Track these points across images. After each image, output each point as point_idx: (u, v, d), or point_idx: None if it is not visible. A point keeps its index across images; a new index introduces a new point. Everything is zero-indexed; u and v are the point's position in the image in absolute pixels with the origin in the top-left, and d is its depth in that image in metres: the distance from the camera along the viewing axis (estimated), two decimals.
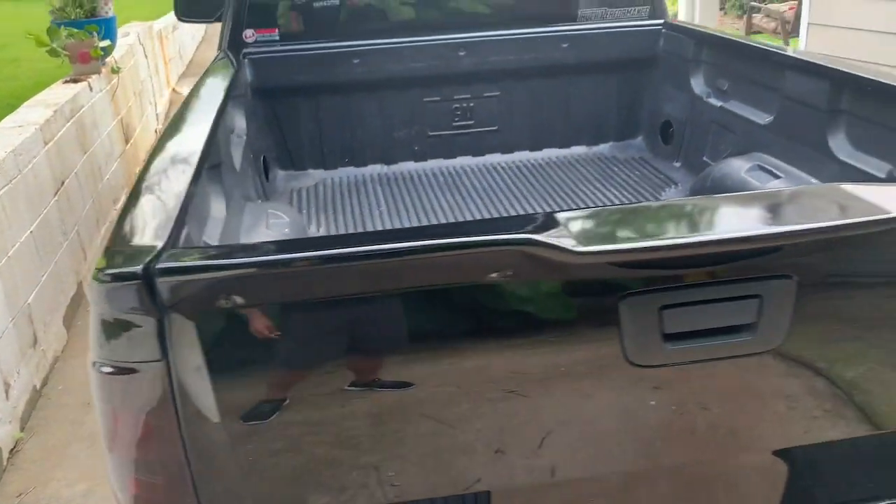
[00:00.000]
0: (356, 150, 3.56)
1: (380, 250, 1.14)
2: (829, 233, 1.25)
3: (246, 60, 3.25)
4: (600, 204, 3.15)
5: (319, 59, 3.33)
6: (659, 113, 3.55)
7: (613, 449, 1.44)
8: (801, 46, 6.08)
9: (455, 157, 3.64)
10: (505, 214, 3.09)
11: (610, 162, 3.63)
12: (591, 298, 1.31)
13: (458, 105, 3.56)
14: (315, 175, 3.53)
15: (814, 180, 2.49)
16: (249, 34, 3.31)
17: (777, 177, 2.60)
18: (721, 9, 13.65)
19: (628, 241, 1.19)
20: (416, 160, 3.61)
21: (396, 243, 1.16)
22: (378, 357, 1.28)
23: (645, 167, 3.53)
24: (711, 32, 3.25)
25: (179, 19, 4.09)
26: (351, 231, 2.98)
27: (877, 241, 1.31)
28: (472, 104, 3.56)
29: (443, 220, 3.05)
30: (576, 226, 1.22)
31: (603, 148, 3.74)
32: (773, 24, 7.38)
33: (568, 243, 1.15)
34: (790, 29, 6.74)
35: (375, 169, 3.59)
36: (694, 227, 1.30)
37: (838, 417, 1.49)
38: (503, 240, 1.16)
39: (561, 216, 1.23)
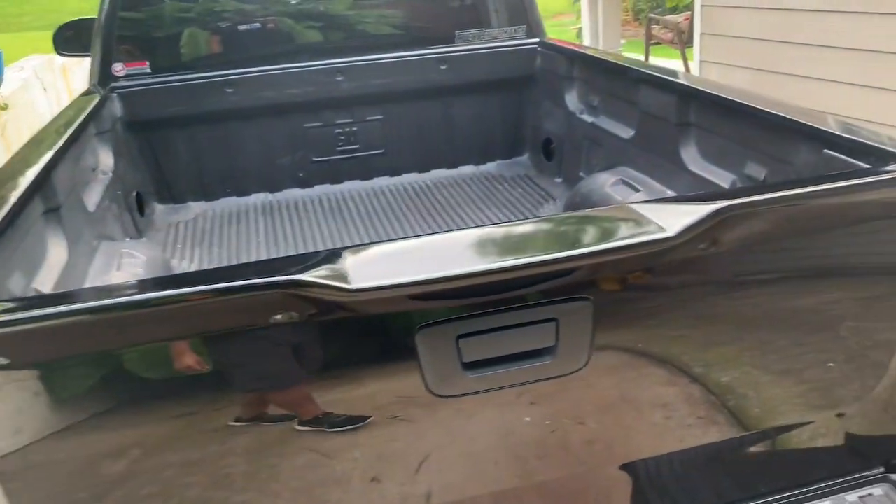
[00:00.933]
0: (238, 180, 3.51)
1: (126, 302, 1.11)
2: (612, 254, 1.26)
3: (115, 95, 3.17)
4: (480, 223, 3.17)
5: (192, 90, 3.28)
6: (540, 130, 3.59)
7: (436, 479, 1.43)
8: (696, 56, 6.26)
9: (342, 181, 3.62)
10: (385, 237, 3.08)
11: (497, 180, 3.66)
12: (386, 333, 1.29)
13: (340, 130, 3.54)
14: (195, 207, 3.46)
15: (670, 192, 2.54)
16: (119, 68, 3.24)
17: (637, 190, 2.65)
18: (636, 19, 14.00)
19: (406, 275, 1.18)
20: (301, 187, 3.58)
21: (153, 292, 1.13)
22: (190, 402, 1.25)
23: (529, 184, 3.57)
24: (581, 51, 3.31)
25: (59, 54, 4.00)
26: (225, 264, 2.92)
27: (663, 260, 1.33)
28: (355, 128, 3.55)
29: (321, 247, 3.02)
30: (356, 261, 1.21)
31: (490, 167, 3.77)
32: (669, 35, 7.60)
33: (341, 281, 1.14)
34: (685, 39, 6.93)
35: (259, 197, 3.54)
36: (484, 255, 1.29)
37: (653, 432, 1.51)
38: (269, 283, 1.14)
39: (346, 252, 1.21)
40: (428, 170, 3.71)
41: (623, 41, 7.73)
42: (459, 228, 3.12)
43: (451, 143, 3.70)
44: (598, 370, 1.40)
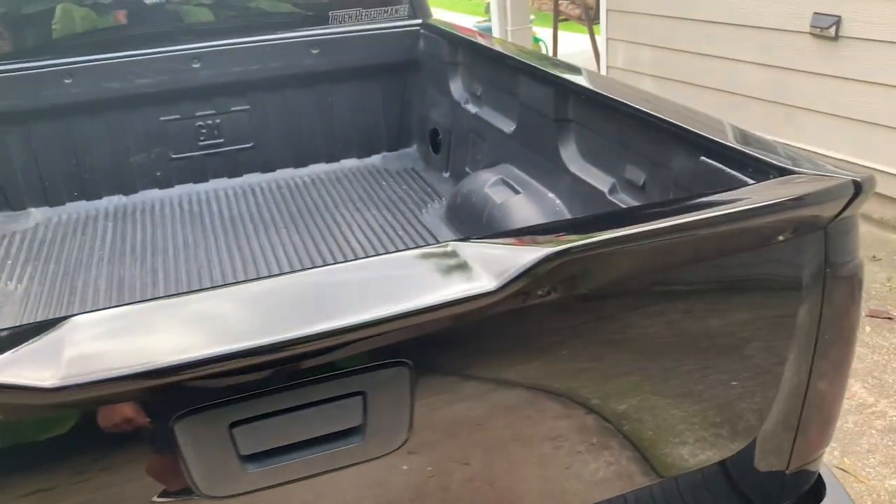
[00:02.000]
0: (86, 182, 3.11)
1: None
2: (417, 316, 1.00)
3: None
4: (357, 227, 2.87)
5: (24, 81, 2.86)
6: (427, 120, 3.31)
7: None
8: (602, 32, 6.07)
9: (207, 180, 3.27)
10: (247, 247, 2.75)
11: (381, 175, 3.36)
12: (131, 425, 1.00)
13: (202, 123, 3.18)
14: (36, 214, 3.05)
15: (551, 194, 2.31)
16: None
17: (517, 192, 2.40)
18: None
19: (130, 364, 0.88)
20: (160, 187, 3.21)
21: None
22: None
23: (415, 179, 3.29)
24: (465, 35, 3.03)
25: None
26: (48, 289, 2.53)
27: (493, 314, 1.08)
28: (218, 120, 3.20)
29: (172, 262, 2.68)
30: (65, 343, 0.90)
31: (375, 160, 3.47)
32: (577, 11, 7.37)
33: (31, 379, 0.84)
34: (593, 15, 6.74)
35: (111, 201, 3.15)
36: (251, 324, 1.00)
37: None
38: None
39: (39, 334, 0.90)
40: (305, 164, 3.39)
41: (532, 17, 7.48)
42: (330, 234, 2.83)
43: (330, 134, 3.38)
44: (424, 448, 1.14)
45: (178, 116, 3.13)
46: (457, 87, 3.00)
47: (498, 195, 2.45)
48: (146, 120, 3.09)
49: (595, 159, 2.10)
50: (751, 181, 1.37)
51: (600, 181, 2.05)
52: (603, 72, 6.05)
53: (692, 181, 1.61)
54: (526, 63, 2.37)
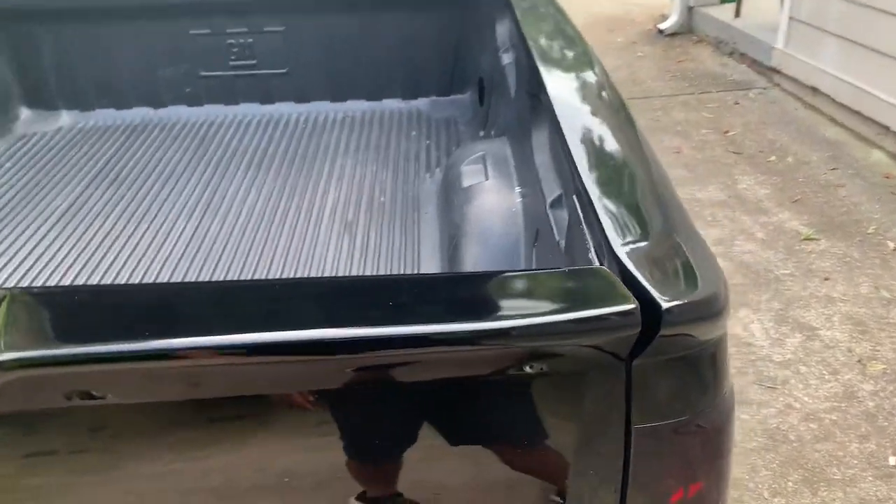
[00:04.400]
0: (116, 90, 3.01)
1: None
2: None
3: None
4: (347, 179, 2.54)
5: None
6: (478, 65, 2.86)
7: None
8: (784, 8, 5.07)
9: (238, 103, 3.06)
10: (266, 183, 2.51)
11: (421, 121, 2.98)
12: None
13: (233, 41, 2.94)
14: (66, 117, 3.02)
15: (519, 188, 1.85)
16: None
17: (486, 177, 1.96)
18: None
19: None
20: (189, 104, 3.05)
21: None
22: None
23: (451, 133, 2.87)
24: None
25: None
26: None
27: None
28: (251, 40, 2.95)
29: (187, 186, 2.51)
30: None
31: (422, 103, 3.08)
32: None
33: None
34: None
35: (140, 113, 3.04)
36: None
37: None
38: None
39: None
40: (343, 99, 3.08)
41: None
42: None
43: (372, 69, 3.03)
44: None
45: (208, 31, 2.92)
46: (502, 33, 2.53)
47: (468, 177, 2.02)
48: (176, 31, 2.91)
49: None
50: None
51: (547, 187, 1.57)
52: (783, 25, 5.08)
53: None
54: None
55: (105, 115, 3.05)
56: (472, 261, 1.72)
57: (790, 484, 2.27)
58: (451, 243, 1.88)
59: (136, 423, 0.83)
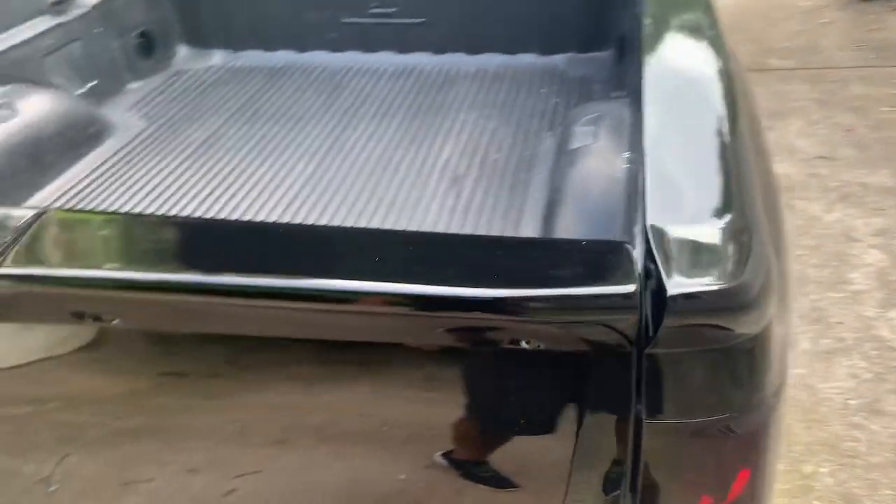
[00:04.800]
0: (264, 32, 3.13)
1: None
2: None
3: None
4: (469, 138, 2.50)
5: None
6: (622, 20, 2.70)
7: None
8: None
9: (376, 51, 3.08)
10: (393, 135, 2.54)
11: (557, 79, 2.87)
12: None
13: None
14: (219, 56, 3.17)
15: (626, 154, 1.73)
16: None
17: (597, 139, 1.85)
18: None
19: None
20: (330, 50, 3.11)
21: None
22: None
23: (586, 92, 2.74)
24: None
25: None
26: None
27: None
28: None
29: (319, 130, 2.58)
30: None
31: (558, 60, 2.96)
32: None
33: None
34: None
35: (285, 56, 3.14)
36: None
37: None
38: None
39: None
40: (478, 52, 3.02)
41: None
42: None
43: (511, 21, 2.94)
44: None
45: None
46: None
47: (578, 138, 1.92)
48: None
49: None
50: None
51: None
52: None
53: None
54: None
55: (253, 56, 3.18)
56: (564, 226, 1.64)
57: None
58: (548, 206, 1.80)
59: (258, 356, 0.86)
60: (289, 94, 2.88)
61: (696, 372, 0.73)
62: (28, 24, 2.47)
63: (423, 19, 2.99)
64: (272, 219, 2.16)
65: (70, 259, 0.86)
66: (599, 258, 0.76)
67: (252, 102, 2.84)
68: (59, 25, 2.57)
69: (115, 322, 0.78)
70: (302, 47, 3.13)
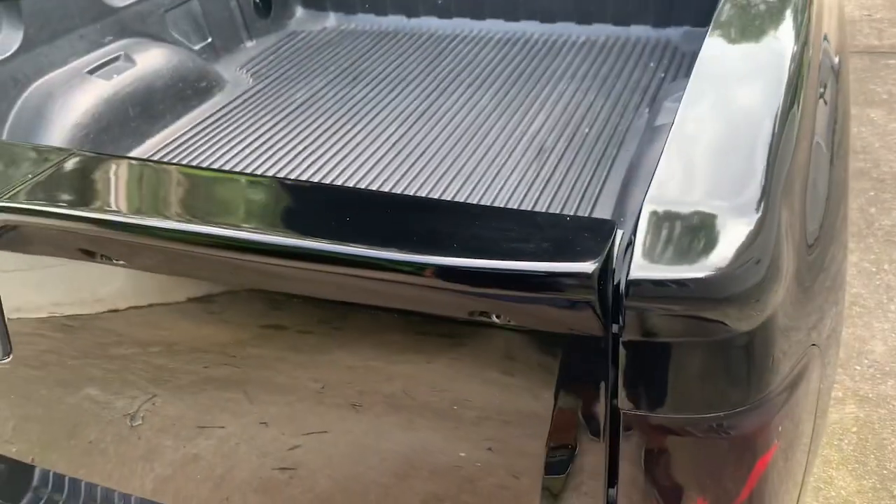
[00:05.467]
0: None
1: None
2: None
3: None
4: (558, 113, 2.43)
5: None
6: None
7: None
8: None
9: (484, 18, 3.04)
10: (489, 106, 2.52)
11: (668, 53, 2.73)
12: None
13: None
14: (332, 18, 3.23)
15: None
16: None
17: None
18: None
19: None
20: (439, 16, 3.10)
21: None
22: None
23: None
24: None
25: None
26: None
27: None
28: None
29: (422, 97, 2.60)
30: None
31: (672, 33, 2.81)
32: None
33: None
34: None
35: (395, 20, 3.16)
36: None
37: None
38: None
39: None
40: (589, 22, 2.92)
41: None
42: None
43: None
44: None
45: None
46: None
47: (664, 114, 1.82)
48: None
49: None
50: None
51: None
52: None
53: None
54: None
55: (365, 20, 3.22)
56: (633, 206, 1.57)
57: None
58: (622, 185, 1.73)
59: (347, 320, 0.88)
60: (393, 58, 2.91)
61: (675, 364, 0.68)
62: None
63: None
64: (353, 181, 2.20)
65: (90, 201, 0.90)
66: (577, 235, 0.72)
67: (358, 65, 2.89)
68: None
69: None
70: (412, 12, 3.14)
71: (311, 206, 0.90)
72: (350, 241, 0.75)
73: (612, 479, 0.76)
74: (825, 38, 1.30)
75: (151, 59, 2.47)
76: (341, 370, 0.87)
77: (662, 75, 2.59)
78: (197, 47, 2.81)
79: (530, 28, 3.01)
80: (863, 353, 2.40)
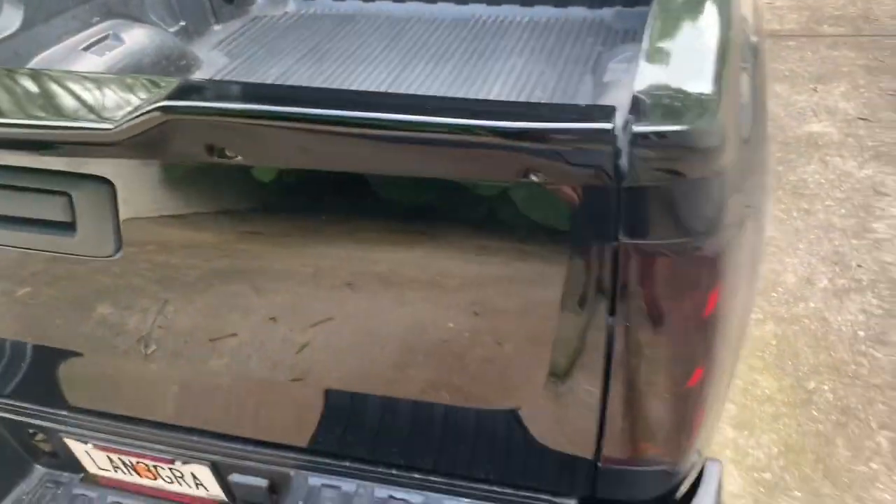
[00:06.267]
0: None
1: None
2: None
3: None
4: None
5: None
6: None
7: None
8: None
9: (435, 2, 3.33)
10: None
11: (603, 31, 3.07)
12: None
13: None
14: (293, 3, 3.45)
15: None
16: None
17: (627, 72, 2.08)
18: None
19: None
20: (426, 1, 3.36)
21: None
22: None
23: (629, 43, 2.95)
24: None
25: None
26: None
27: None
28: None
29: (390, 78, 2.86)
30: None
31: (606, 13, 3.16)
32: None
33: None
34: None
35: (353, 4, 3.41)
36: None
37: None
38: None
39: None
40: (532, 4, 3.24)
41: None
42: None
43: None
44: (135, 263, 1.24)
45: None
46: None
47: (612, 73, 2.14)
48: None
49: None
50: None
51: None
52: None
53: None
54: None
55: (324, 4, 3.45)
56: None
57: None
58: None
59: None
60: (354, 39, 3.16)
61: (664, 201, 0.97)
62: None
63: None
64: None
65: None
66: (590, 110, 1.01)
67: (321, 45, 3.12)
68: None
69: None
70: None
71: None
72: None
73: (612, 308, 1.06)
74: (745, 20, 1.62)
75: (137, 38, 2.65)
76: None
77: (600, 48, 2.93)
78: (172, 30, 2.99)
79: (478, 10, 3.29)
80: (777, 283, 2.80)
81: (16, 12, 2.31)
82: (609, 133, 0.91)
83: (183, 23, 3.05)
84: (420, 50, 3.05)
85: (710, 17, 1.34)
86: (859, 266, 2.85)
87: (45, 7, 2.41)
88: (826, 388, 2.37)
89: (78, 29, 2.52)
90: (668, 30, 1.25)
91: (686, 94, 1.01)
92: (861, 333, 2.56)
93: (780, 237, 3.04)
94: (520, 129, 0.95)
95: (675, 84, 1.03)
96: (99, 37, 2.55)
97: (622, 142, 0.93)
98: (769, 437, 2.22)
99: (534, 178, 0.98)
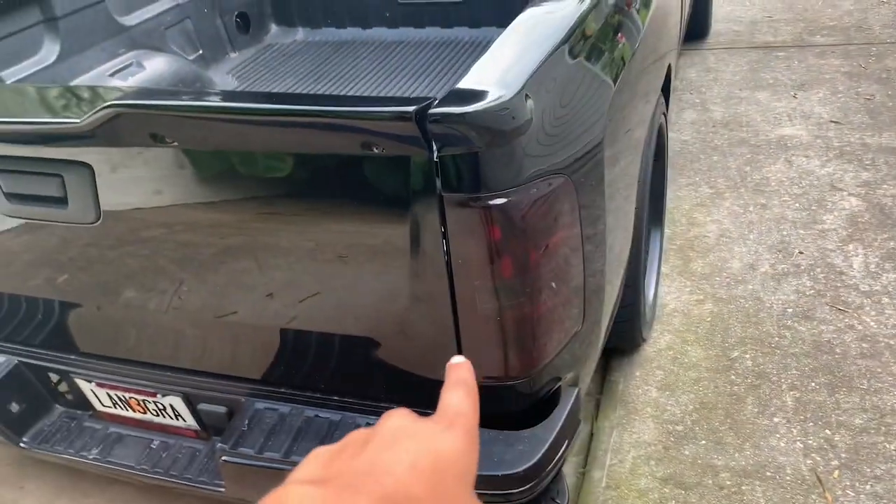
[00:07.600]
0: (337, 13, 3.86)
1: None
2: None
3: None
4: None
5: None
6: None
7: None
8: None
9: (423, 26, 3.75)
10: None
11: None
12: None
13: None
14: (301, 32, 3.92)
15: None
16: None
17: None
18: None
19: None
20: (388, 26, 3.80)
21: None
22: None
23: None
24: None
25: None
26: None
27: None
28: None
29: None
30: None
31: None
32: None
33: None
34: None
35: (353, 32, 3.86)
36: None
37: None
38: None
39: None
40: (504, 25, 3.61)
41: None
42: None
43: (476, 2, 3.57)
44: (112, 228, 1.65)
45: None
46: None
47: None
48: None
49: None
50: None
51: None
52: None
53: None
54: None
55: (328, 32, 3.91)
56: None
57: (813, 384, 2.49)
58: None
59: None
60: (350, 61, 3.59)
61: (464, 164, 1.33)
62: (154, 5, 3.27)
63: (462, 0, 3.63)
64: None
65: None
66: (413, 101, 1.37)
67: (321, 68, 3.57)
68: (176, 6, 3.36)
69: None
70: (365, 24, 3.84)
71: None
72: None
73: (447, 249, 1.41)
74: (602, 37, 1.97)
75: (157, 66, 3.13)
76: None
77: None
78: (191, 57, 3.47)
79: (461, 33, 3.71)
80: (723, 269, 3.08)
81: (54, 46, 2.80)
82: (409, 115, 1.28)
83: (201, 51, 3.52)
84: (405, 68, 3.46)
85: (549, 34, 1.70)
86: (801, 253, 3.10)
87: (79, 41, 2.90)
88: (748, 356, 2.64)
89: (107, 59, 3.01)
90: (507, 42, 1.61)
91: (482, 91, 1.36)
92: (790, 311, 2.82)
93: (734, 229, 3.31)
94: (359, 112, 1.33)
95: (482, 84, 1.39)
96: (124, 64, 3.03)
97: (427, 122, 1.29)
98: (688, 396, 2.51)
99: (375, 150, 1.35)
